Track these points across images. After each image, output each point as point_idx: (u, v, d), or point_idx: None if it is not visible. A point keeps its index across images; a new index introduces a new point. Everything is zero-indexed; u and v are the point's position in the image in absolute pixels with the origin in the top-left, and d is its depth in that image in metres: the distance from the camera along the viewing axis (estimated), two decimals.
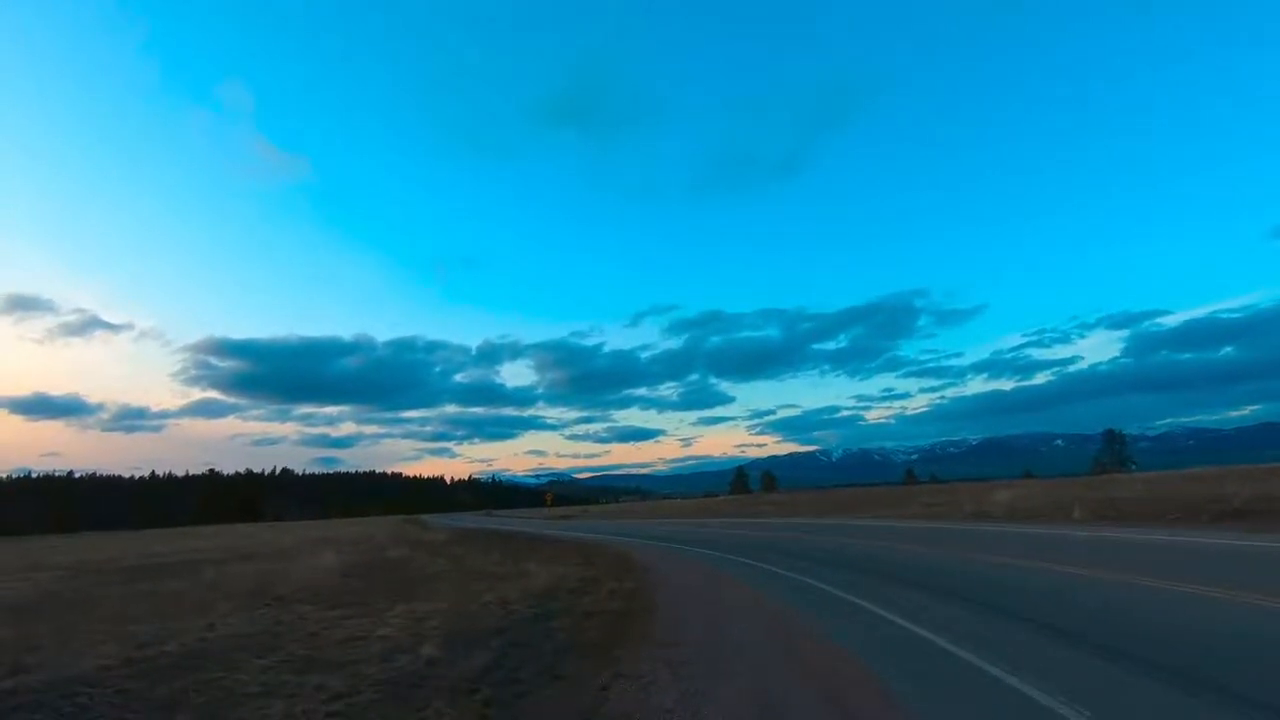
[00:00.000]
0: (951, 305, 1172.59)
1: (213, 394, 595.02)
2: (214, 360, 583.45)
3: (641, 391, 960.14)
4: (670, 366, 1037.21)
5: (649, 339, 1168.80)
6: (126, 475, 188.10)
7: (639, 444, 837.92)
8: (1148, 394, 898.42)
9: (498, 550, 21.68)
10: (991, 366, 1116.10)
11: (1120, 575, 8.52)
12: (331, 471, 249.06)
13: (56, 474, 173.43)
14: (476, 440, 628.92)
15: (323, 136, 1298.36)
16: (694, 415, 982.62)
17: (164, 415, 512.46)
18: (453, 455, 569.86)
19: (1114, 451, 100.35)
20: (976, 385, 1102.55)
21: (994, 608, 7.23)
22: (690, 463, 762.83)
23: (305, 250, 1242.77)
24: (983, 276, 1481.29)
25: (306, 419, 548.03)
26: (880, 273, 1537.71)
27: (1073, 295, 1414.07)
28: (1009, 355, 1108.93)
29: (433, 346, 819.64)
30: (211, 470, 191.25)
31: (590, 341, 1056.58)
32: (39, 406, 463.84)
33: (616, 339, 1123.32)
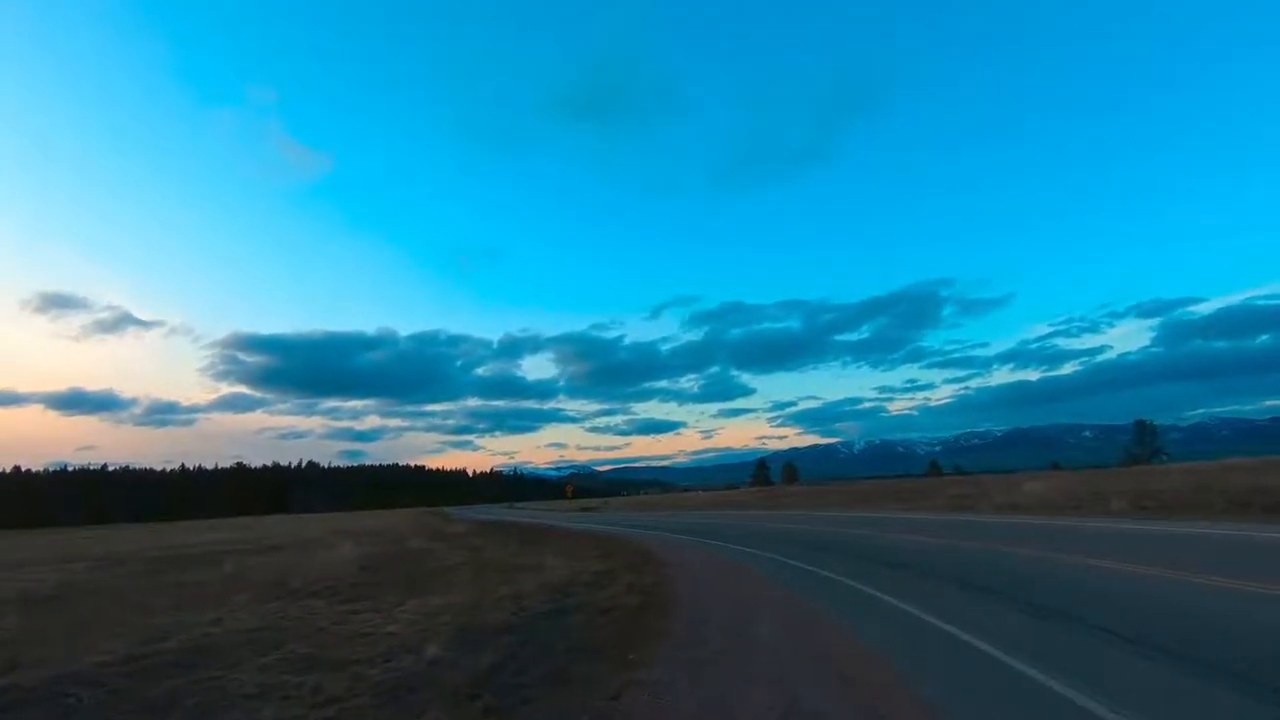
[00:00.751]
0: (977, 295, 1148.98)
1: (241, 389, 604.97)
2: (241, 355, 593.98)
3: (662, 384, 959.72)
4: (691, 359, 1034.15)
5: (669, 331, 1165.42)
6: (158, 468, 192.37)
7: (660, 436, 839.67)
8: (1179, 383, 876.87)
9: (516, 542, 21.46)
10: (1018, 357, 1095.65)
11: (1201, 577, 7.48)
12: (356, 464, 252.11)
13: (92, 467, 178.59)
14: (498, 433, 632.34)
15: (345, 133, 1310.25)
16: (715, 407, 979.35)
17: (194, 410, 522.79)
18: (475, 448, 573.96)
19: (1145, 442, 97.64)
20: (1002, 376, 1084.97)
21: (1061, 615, 6.22)
22: (711, 455, 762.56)
23: (329, 246, 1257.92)
24: (1009, 265, 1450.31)
25: (332, 413, 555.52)
26: (904, 262, 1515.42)
27: (1102, 283, 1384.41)
28: (1035, 345, 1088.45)
29: (455, 340, 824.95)
30: (239, 463, 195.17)
31: (611, 334, 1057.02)
32: (75, 402, 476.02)
33: (637, 331, 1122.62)
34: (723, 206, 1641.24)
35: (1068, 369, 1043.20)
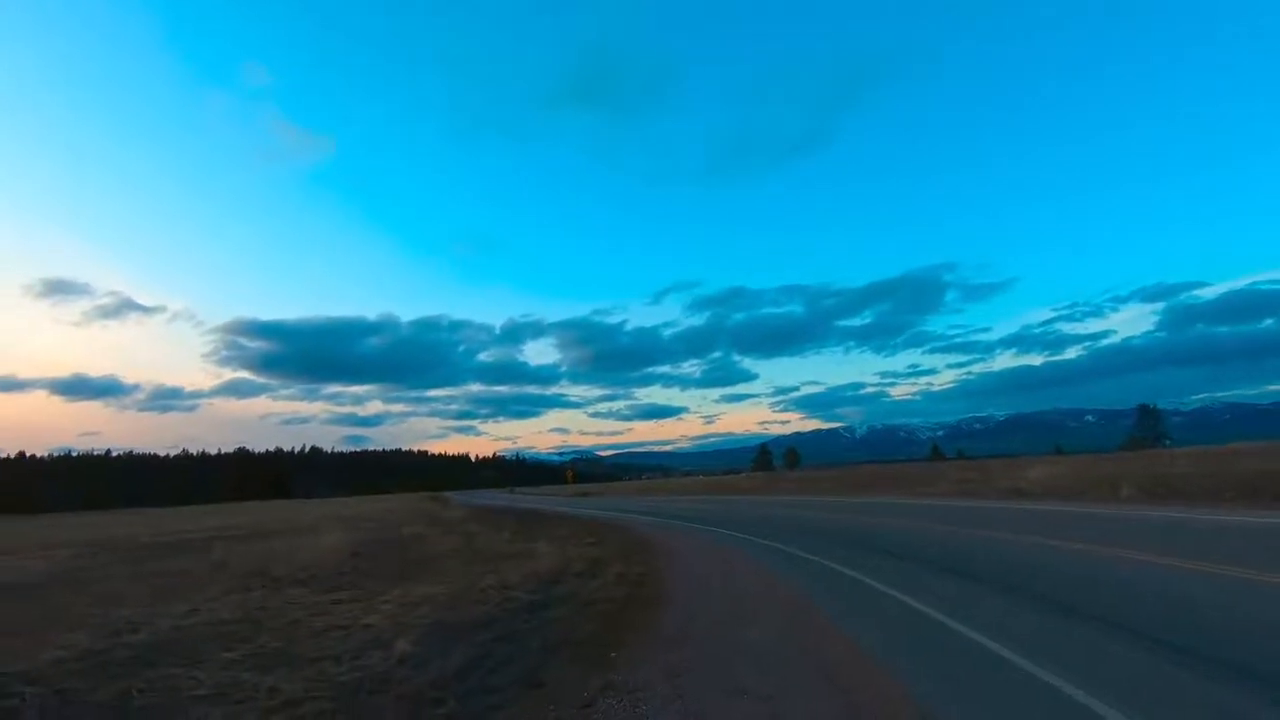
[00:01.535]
0: (980, 279, 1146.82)
1: (243, 374, 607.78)
2: (244, 341, 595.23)
3: (664, 369, 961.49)
4: (693, 344, 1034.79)
5: (671, 316, 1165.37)
6: (162, 454, 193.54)
7: (661, 421, 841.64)
8: (1183, 368, 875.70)
9: (511, 529, 21.12)
10: (1020, 341, 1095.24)
11: (1240, 571, 6.84)
12: (359, 450, 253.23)
13: (95, 453, 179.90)
14: (501, 418, 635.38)
15: (345, 118, 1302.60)
16: (716, 392, 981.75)
17: (197, 395, 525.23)
18: (477, 433, 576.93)
19: (1149, 427, 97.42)
20: (1005, 361, 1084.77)
21: (1082, 615, 5.54)
22: (713, 440, 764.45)
23: (330, 231, 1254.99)
24: (1012, 250, 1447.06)
25: (334, 398, 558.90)
26: (907, 247, 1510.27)
27: (1106, 268, 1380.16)
28: (1039, 330, 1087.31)
29: (457, 326, 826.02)
30: (242, 449, 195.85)
31: (613, 319, 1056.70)
32: (78, 388, 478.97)
33: (639, 317, 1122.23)
34: (724, 191, 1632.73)
35: (1071, 353, 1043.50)
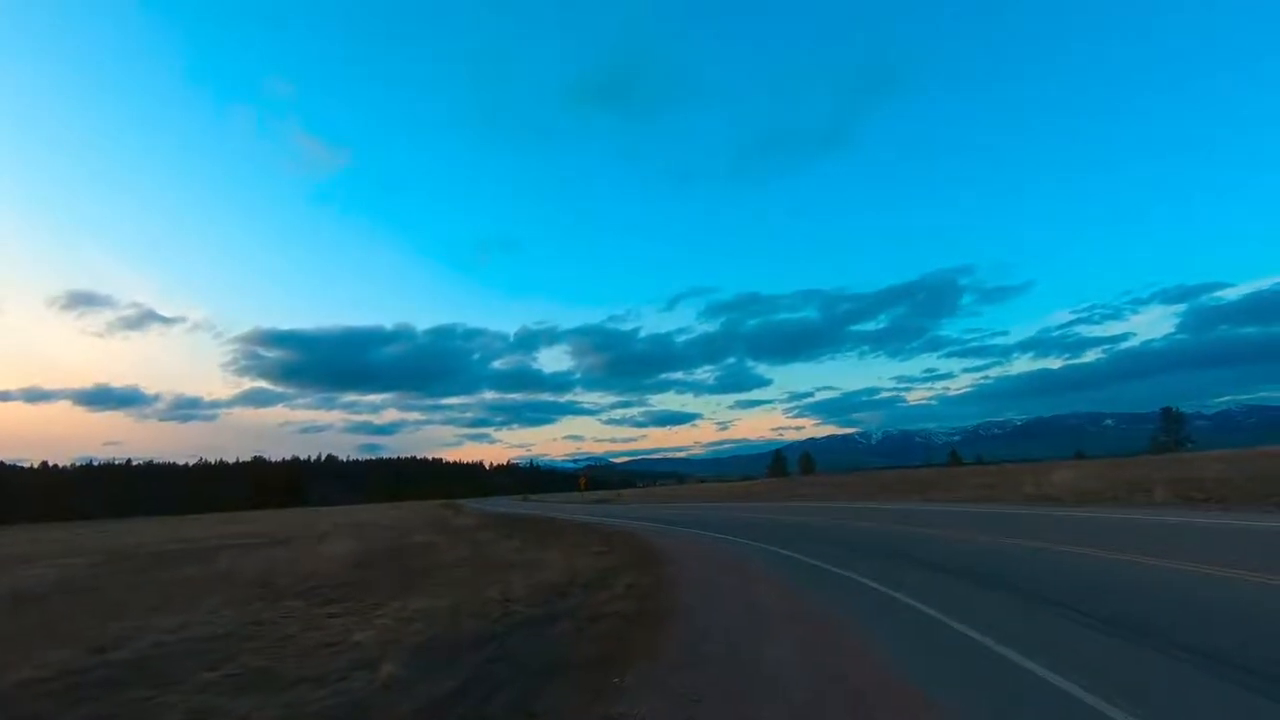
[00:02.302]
0: (997, 282, 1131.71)
1: (261, 383, 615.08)
2: (262, 351, 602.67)
3: (678, 375, 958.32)
4: (707, 350, 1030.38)
5: (685, 322, 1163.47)
6: (181, 463, 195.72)
7: (676, 428, 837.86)
8: (1205, 371, 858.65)
9: (521, 537, 20.70)
10: (1038, 345, 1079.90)
11: None
12: (375, 458, 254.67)
13: (117, 462, 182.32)
14: (515, 426, 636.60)
15: (361, 127, 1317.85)
16: (731, 398, 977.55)
17: (216, 405, 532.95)
18: (492, 441, 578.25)
19: (1172, 430, 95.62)
20: (1022, 364, 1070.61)
21: (1161, 638, 4.73)
22: (727, 446, 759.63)
23: (347, 241, 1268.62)
24: (1030, 252, 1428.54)
25: (351, 407, 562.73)
26: (922, 250, 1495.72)
27: (1125, 269, 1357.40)
28: (1057, 333, 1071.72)
29: (471, 334, 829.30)
30: (259, 457, 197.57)
31: (627, 326, 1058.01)
32: (101, 398, 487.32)
33: (653, 323, 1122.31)
34: (739, 196, 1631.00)
35: (1090, 357, 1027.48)
